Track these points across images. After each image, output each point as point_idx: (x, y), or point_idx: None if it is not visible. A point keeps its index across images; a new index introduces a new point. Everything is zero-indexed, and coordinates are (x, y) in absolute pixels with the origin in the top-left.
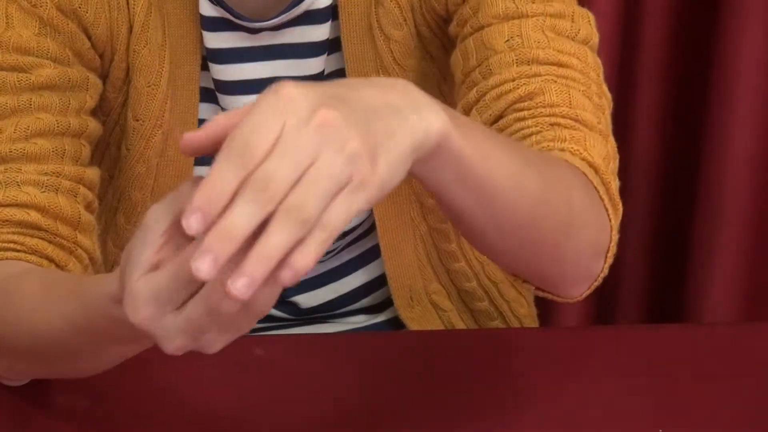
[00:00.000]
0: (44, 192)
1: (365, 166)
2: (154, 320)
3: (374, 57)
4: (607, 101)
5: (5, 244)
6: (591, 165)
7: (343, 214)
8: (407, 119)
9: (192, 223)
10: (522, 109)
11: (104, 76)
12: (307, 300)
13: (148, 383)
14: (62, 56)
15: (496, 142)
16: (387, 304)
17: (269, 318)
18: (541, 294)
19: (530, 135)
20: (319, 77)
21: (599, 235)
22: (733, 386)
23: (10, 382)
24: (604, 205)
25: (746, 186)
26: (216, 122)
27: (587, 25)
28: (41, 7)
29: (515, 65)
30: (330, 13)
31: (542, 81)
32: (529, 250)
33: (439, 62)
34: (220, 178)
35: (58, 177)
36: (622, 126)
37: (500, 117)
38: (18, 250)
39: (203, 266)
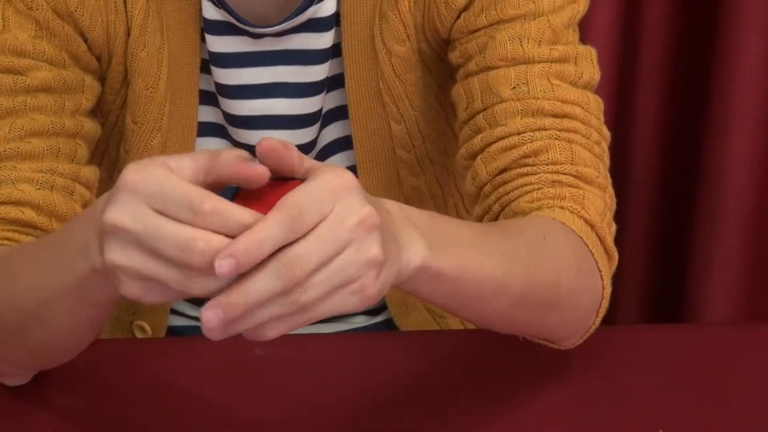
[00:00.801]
0: (39, 189)
1: (373, 276)
2: (122, 222)
3: (374, 66)
4: (606, 141)
5: (0, 241)
6: (588, 222)
7: (331, 308)
8: (397, 248)
9: (224, 266)
10: (526, 165)
11: (102, 78)
12: None
13: (148, 383)
14: (58, 59)
15: (478, 247)
16: (386, 306)
17: None
18: (535, 341)
19: (532, 191)
20: (322, 84)
21: (589, 299)
22: (733, 386)
23: (7, 381)
24: (598, 267)
25: (746, 186)
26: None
27: (590, 65)
28: (37, 9)
29: (520, 116)
30: (334, 21)
31: (547, 137)
32: (517, 326)
33: (437, 73)
34: (266, 234)
35: (53, 174)
36: (622, 126)
37: (505, 170)
38: None
39: (210, 316)
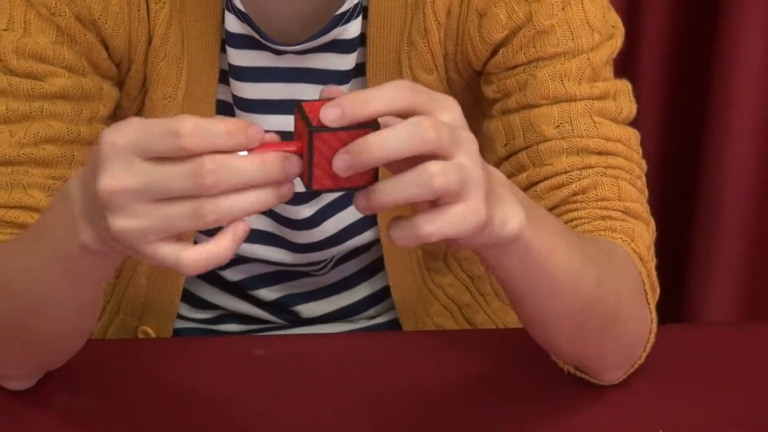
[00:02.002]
0: (50, 196)
1: (481, 197)
2: (121, 184)
3: None
4: (644, 173)
5: None
6: (638, 255)
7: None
8: (499, 207)
9: (329, 114)
10: (575, 202)
11: (120, 84)
12: (308, 310)
13: (149, 383)
14: (77, 66)
15: (562, 238)
16: (388, 309)
17: (269, 320)
18: (578, 375)
19: (582, 224)
20: None
21: (640, 326)
22: (733, 386)
23: (12, 385)
24: (647, 299)
25: (746, 186)
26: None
27: (627, 100)
28: (60, 15)
29: (566, 155)
30: (358, 43)
31: (594, 174)
32: (579, 339)
33: (462, 100)
34: (382, 95)
35: (65, 182)
36: None
37: (553, 208)
38: None
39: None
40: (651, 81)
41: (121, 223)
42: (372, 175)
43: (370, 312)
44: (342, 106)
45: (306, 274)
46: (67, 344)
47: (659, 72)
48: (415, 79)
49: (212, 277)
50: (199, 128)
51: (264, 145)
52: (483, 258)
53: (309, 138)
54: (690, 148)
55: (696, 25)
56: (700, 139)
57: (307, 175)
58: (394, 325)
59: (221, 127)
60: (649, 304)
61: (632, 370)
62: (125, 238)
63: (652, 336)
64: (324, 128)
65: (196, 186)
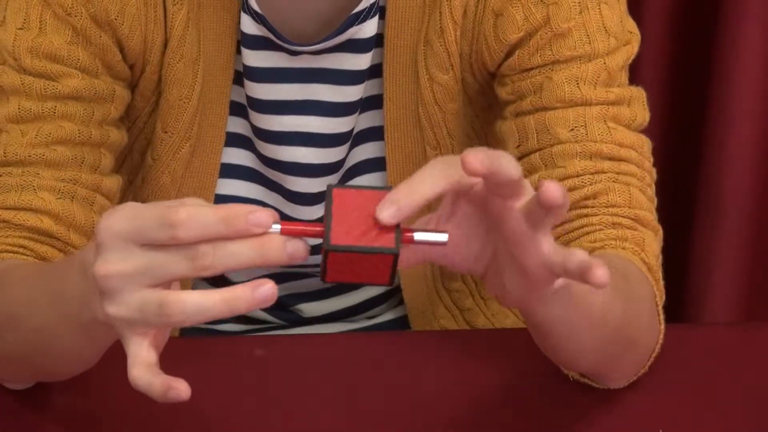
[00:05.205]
0: (60, 199)
1: None
2: (114, 269)
3: (415, 90)
4: (653, 181)
5: (15, 248)
6: (646, 265)
7: None
8: None
9: (385, 215)
10: (586, 207)
11: (133, 86)
12: (310, 309)
13: None
14: (91, 67)
15: None
16: (390, 312)
17: (269, 320)
18: (581, 381)
19: (593, 232)
20: (356, 104)
21: (652, 340)
22: (733, 386)
23: (11, 385)
24: (658, 310)
25: (746, 187)
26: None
27: (641, 107)
28: (76, 16)
29: (579, 159)
30: (373, 43)
31: (606, 180)
32: (599, 359)
33: (476, 104)
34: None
35: (74, 184)
36: None
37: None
38: (27, 256)
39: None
40: (651, 82)
41: (112, 309)
42: (389, 275)
43: (372, 312)
44: (396, 202)
45: (310, 275)
46: (74, 372)
47: (659, 73)
48: (431, 80)
49: (218, 278)
50: (192, 218)
51: (287, 224)
52: (523, 309)
53: (324, 255)
54: (690, 149)
55: (696, 26)
56: (700, 140)
57: (322, 268)
58: (395, 324)
59: (215, 216)
60: (659, 315)
61: (635, 378)
62: (115, 325)
63: (658, 346)
64: (341, 247)
65: (193, 269)
